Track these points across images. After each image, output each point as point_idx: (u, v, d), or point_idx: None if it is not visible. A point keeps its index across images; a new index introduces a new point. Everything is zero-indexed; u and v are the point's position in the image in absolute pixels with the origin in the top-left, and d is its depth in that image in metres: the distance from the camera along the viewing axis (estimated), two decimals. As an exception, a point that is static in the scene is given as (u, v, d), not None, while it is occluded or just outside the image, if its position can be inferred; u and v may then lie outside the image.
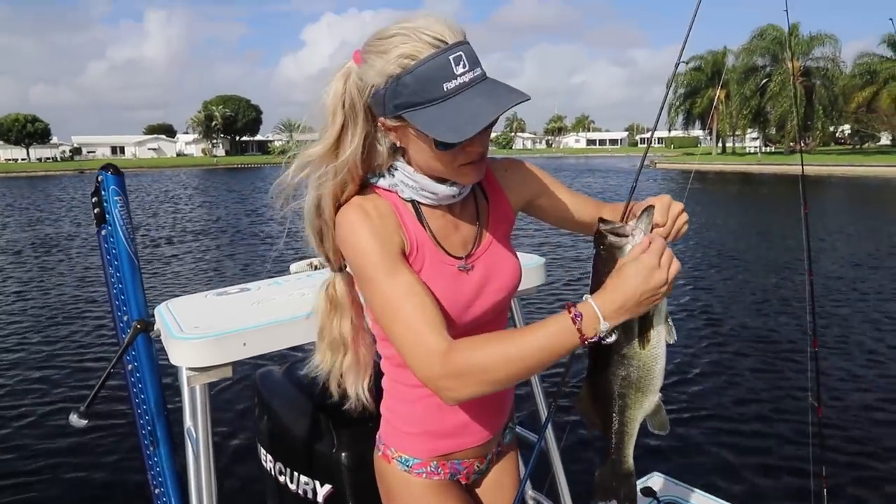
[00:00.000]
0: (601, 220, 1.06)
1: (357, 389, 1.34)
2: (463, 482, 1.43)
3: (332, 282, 1.30)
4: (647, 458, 4.24)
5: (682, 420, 4.93)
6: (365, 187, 1.22)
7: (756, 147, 65.16)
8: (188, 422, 1.50)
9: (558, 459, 2.30)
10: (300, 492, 1.79)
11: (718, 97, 58.20)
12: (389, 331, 1.11)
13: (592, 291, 1.03)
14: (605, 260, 1.05)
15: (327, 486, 1.73)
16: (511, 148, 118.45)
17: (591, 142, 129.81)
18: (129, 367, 1.69)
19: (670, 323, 1.07)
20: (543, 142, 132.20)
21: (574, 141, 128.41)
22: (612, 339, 0.98)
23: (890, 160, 41.31)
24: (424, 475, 1.34)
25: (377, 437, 1.43)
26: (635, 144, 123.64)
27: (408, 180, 1.19)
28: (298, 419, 1.80)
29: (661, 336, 1.06)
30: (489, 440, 1.41)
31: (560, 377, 1.49)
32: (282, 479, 1.85)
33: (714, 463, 4.30)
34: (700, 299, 8.86)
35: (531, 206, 1.40)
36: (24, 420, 5.28)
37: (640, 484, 2.64)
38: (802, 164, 2.10)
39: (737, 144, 68.23)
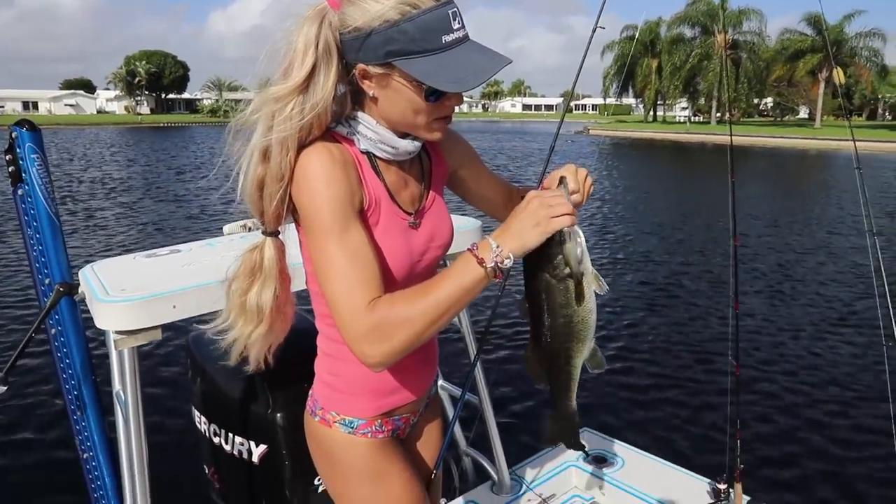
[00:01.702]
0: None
1: (260, 358, 1.29)
2: (400, 437, 1.46)
3: (261, 246, 1.21)
4: (580, 415, 4.43)
5: (610, 379, 5.16)
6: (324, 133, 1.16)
7: (686, 117, 67.24)
8: (117, 385, 1.47)
9: (491, 414, 2.38)
10: (235, 452, 1.80)
11: (651, 67, 59.42)
12: (325, 286, 1.11)
13: (526, 267, 1.14)
14: None
15: (262, 447, 1.74)
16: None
17: (526, 107, 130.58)
18: (53, 331, 1.64)
19: (598, 277, 1.18)
20: (480, 105, 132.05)
21: (510, 106, 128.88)
22: (509, 262, 1.05)
23: (806, 132, 43.56)
24: (370, 434, 1.35)
25: (311, 402, 1.40)
26: (570, 110, 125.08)
27: (367, 132, 1.17)
28: (232, 381, 1.80)
29: (591, 290, 1.17)
30: (425, 393, 1.45)
31: (482, 334, 1.54)
32: (216, 440, 1.85)
33: (640, 419, 4.54)
34: (629, 263, 9.21)
35: (453, 176, 1.42)
36: None
37: (571, 439, 2.77)
38: (731, 134, 2.20)
39: (667, 114, 70.17)
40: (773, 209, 14.63)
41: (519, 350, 5.55)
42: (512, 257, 1.04)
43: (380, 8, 1.05)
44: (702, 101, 59.29)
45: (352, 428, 1.35)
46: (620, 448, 2.70)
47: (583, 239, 1.14)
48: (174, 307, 1.44)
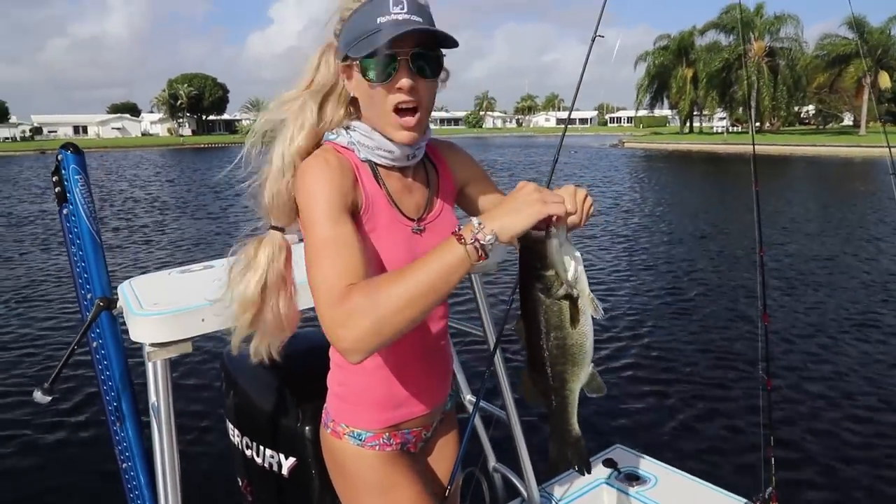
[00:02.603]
0: None
1: (261, 352, 1.33)
2: (412, 451, 1.47)
3: (262, 238, 1.27)
4: (611, 432, 4.38)
5: (643, 395, 5.09)
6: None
7: (724, 127, 66.08)
8: (152, 397, 1.52)
9: (520, 430, 2.37)
10: (266, 465, 1.83)
11: (684, 76, 58.68)
12: (309, 273, 1.12)
13: (521, 286, 1.14)
14: (528, 249, 1.12)
15: (292, 459, 1.76)
16: (481, 126, 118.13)
17: (560, 121, 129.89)
18: (94, 344, 1.70)
19: (595, 301, 1.15)
20: (514, 121, 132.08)
21: (544, 120, 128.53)
22: (491, 239, 1.02)
23: (849, 140, 42.30)
24: (378, 447, 1.37)
25: (324, 414, 1.44)
26: (605, 123, 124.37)
27: (365, 140, 1.24)
28: (264, 394, 1.83)
29: (587, 314, 1.15)
30: (436, 407, 1.46)
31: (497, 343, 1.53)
32: (248, 452, 1.88)
33: (672, 435, 4.44)
34: (661, 277, 9.06)
35: (461, 194, 1.45)
36: None
37: (603, 456, 2.73)
38: (753, 144, 2.18)
39: (704, 124, 69.10)
40: (809, 217, 14.27)
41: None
42: (496, 236, 1.02)
43: (339, 12, 1.19)
44: (739, 110, 58.20)
45: (360, 440, 1.37)
46: (653, 465, 2.65)
47: (580, 260, 1.13)
48: (202, 321, 1.48)
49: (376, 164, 1.26)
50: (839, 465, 4.01)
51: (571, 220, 1.12)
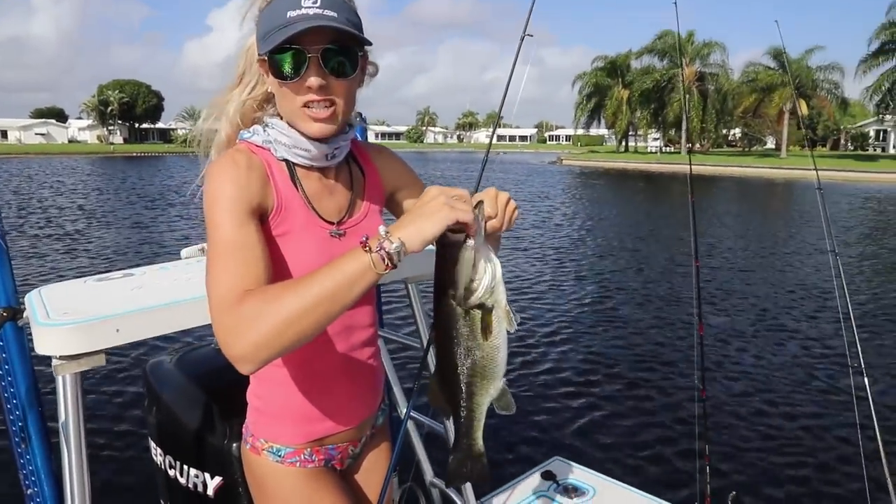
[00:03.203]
0: None
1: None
2: (338, 468, 1.41)
3: None
4: (549, 444, 4.40)
5: (580, 406, 5.15)
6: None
7: (657, 147, 68.69)
8: (62, 415, 1.40)
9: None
10: (190, 485, 1.73)
11: (622, 97, 60.77)
12: (207, 275, 1.05)
13: (435, 292, 1.09)
14: (442, 255, 1.08)
15: (218, 479, 1.67)
16: (422, 142, 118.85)
17: (500, 137, 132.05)
18: (-3, 358, 1.56)
19: (511, 313, 1.11)
20: (455, 136, 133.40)
21: (485, 136, 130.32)
22: (397, 247, 0.97)
23: (772, 162, 44.71)
24: (298, 464, 1.31)
25: (244, 428, 1.37)
26: (544, 141, 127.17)
27: (282, 137, 1.18)
28: (189, 410, 1.74)
29: (501, 326, 1.11)
30: (363, 422, 1.41)
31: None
32: (171, 472, 1.78)
33: (609, 446, 4.50)
34: (596, 289, 9.26)
35: (391, 200, 1.41)
36: None
37: (541, 468, 2.73)
38: (691, 161, 2.23)
39: (639, 144, 71.55)
40: (738, 232, 14.94)
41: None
42: (402, 244, 0.97)
43: (255, 10, 1.16)
44: (672, 131, 60.71)
45: (279, 456, 1.31)
46: (591, 476, 2.66)
47: (499, 270, 1.08)
48: (117, 331, 1.37)
49: (294, 163, 1.21)
50: (772, 471, 4.14)
51: (492, 224, 1.09)
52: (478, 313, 1.08)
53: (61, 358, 1.32)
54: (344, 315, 1.23)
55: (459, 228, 1.03)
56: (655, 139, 67.32)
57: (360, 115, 2.41)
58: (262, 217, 1.14)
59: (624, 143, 68.38)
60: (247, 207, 1.09)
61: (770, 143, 66.94)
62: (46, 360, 1.41)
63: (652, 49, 56.48)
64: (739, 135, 68.97)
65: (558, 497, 2.52)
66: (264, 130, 1.20)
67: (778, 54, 45.62)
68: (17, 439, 1.61)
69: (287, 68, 1.09)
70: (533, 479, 2.65)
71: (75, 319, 1.35)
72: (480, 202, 1.07)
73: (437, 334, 1.14)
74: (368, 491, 1.50)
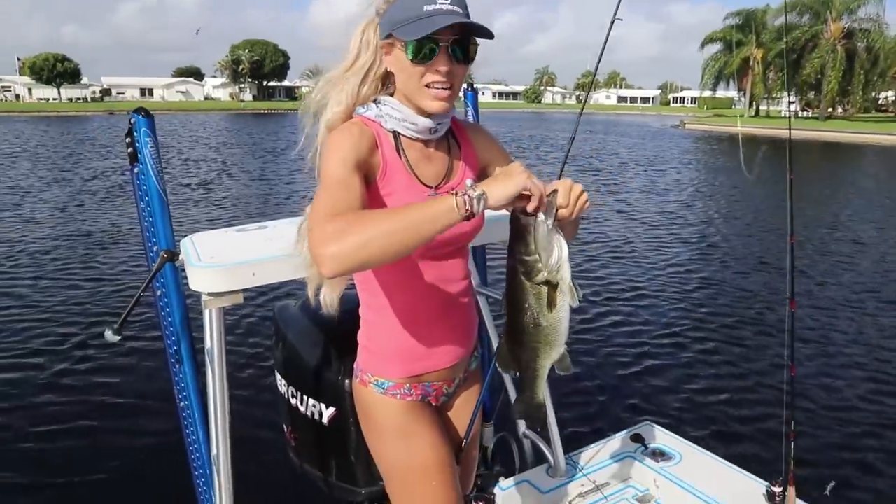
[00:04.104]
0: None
1: (323, 298, 1.49)
2: (433, 404, 1.59)
3: None
4: (640, 407, 4.46)
5: (674, 373, 5.16)
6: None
7: (791, 111, 63.25)
8: (207, 342, 1.68)
9: (549, 401, 2.45)
10: (308, 414, 1.96)
11: (754, 57, 56.20)
12: (312, 206, 1.23)
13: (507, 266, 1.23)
14: (515, 227, 1.22)
15: (332, 409, 1.89)
16: (540, 102, 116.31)
17: (622, 98, 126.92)
18: (158, 292, 1.86)
19: (575, 289, 1.23)
20: (573, 97, 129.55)
21: (605, 97, 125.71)
22: (478, 195, 1.11)
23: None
24: (398, 396, 1.51)
25: (355, 366, 1.59)
26: (668, 103, 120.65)
27: (393, 112, 1.37)
28: (309, 349, 1.96)
29: (565, 301, 1.23)
30: (457, 363, 1.57)
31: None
32: (293, 401, 2.02)
33: (701, 418, 4.49)
34: (695, 264, 8.91)
35: (483, 174, 1.55)
36: (68, 335, 5.78)
37: (632, 431, 2.79)
38: (790, 128, 2.16)
39: (772, 108, 66.23)
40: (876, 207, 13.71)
41: (579, 335, 5.61)
42: (484, 194, 1.12)
43: None
44: (812, 94, 55.54)
45: (383, 388, 1.51)
46: (678, 443, 2.71)
47: (565, 251, 1.20)
48: (253, 274, 1.63)
49: (401, 135, 1.38)
50: (858, 453, 4.00)
51: (562, 212, 1.21)
52: (544, 288, 1.21)
53: (209, 294, 1.59)
54: (440, 267, 1.43)
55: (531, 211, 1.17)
56: (791, 102, 62.12)
57: (472, 85, 2.53)
58: (368, 178, 1.32)
59: (755, 107, 63.55)
60: (354, 162, 1.27)
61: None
62: (195, 295, 1.69)
63: (795, 6, 51.48)
64: (893, 98, 62.22)
65: (646, 460, 2.58)
66: (377, 106, 1.38)
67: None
68: (172, 360, 1.91)
69: (422, 54, 1.27)
70: (622, 440, 2.72)
71: (221, 263, 1.61)
72: (555, 190, 1.20)
73: (508, 303, 1.27)
74: (459, 426, 1.68)
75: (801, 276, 7.77)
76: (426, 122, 1.37)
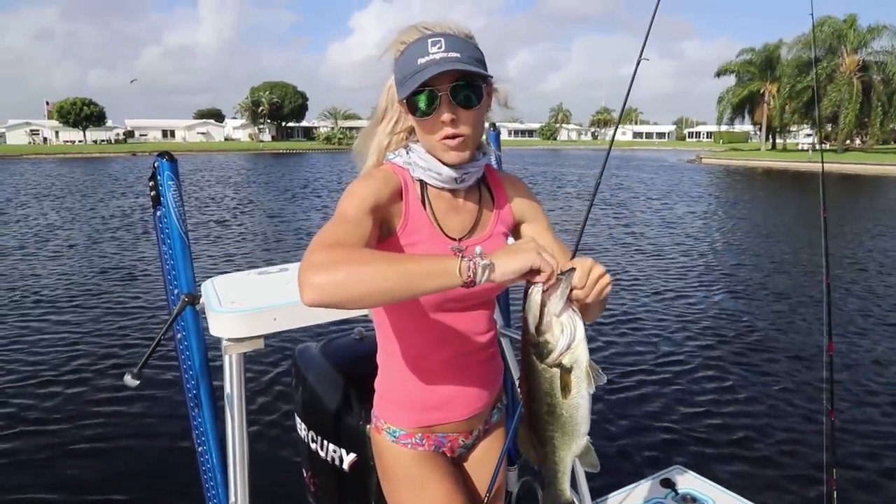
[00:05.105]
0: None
1: None
2: (448, 455, 1.53)
3: None
4: (670, 451, 4.31)
5: (705, 416, 4.98)
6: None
7: (809, 144, 62.99)
8: (227, 387, 1.65)
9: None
10: (328, 459, 1.93)
11: (769, 91, 56.29)
12: (316, 234, 1.14)
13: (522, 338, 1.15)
14: (525, 311, 1.13)
15: (353, 455, 1.85)
16: (555, 139, 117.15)
17: (637, 134, 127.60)
18: (178, 336, 1.84)
19: (593, 373, 1.14)
20: (588, 133, 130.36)
21: (621, 133, 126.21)
22: (482, 264, 1.03)
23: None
24: (410, 446, 1.46)
25: (371, 411, 1.55)
26: (683, 138, 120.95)
27: (420, 160, 1.34)
28: (330, 392, 1.94)
29: (581, 386, 1.14)
30: (474, 416, 1.50)
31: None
32: (313, 446, 1.99)
33: (733, 461, 4.32)
34: (722, 299, 8.74)
35: (517, 229, 1.50)
36: (86, 377, 5.75)
37: (661, 476, 2.71)
38: (822, 163, 2.12)
39: (788, 141, 65.99)
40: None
41: (610, 375, 5.47)
42: (490, 265, 1.04)
43: (391, 54, 1.30)
44: (829, 127, 55.30)
45: (394, 436, 1.46)
46: (710, 488, 2.61)
47: (580, 331, 1.11)
48: (274, 319, 1.61)
49: (427, 184, 1.36)
50: None
51: (576, 293, 1.12)
52: (556, 371, 1.12)
53: (230, 340, 1.57)
54: (460, 318, 1.39)
55: (540, 289, 1.10)
56: (808, 135, 61.67)
57: (494, 125, 2.53)
58: (388, 225, 1.30)
59: (771, 140, 63.36)
60: (372, 204, 1.23)
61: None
62: (213, 339, 1.67)
63: (809, 43, 51.60)
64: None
65: (676, 505, 2.50)
66: (407, 153, 1.36)
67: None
68: (191, 405, 1.89)
69: (422, 106, 1.25)
70: (651, 485, 2.63)
71: (242, 308, 1.60)
72: (572, 269, 1.11)
73: (523, 384, 1.19)
74: (479, 480, 1.60)
75: (836, 311, 7.57)
76: (450, 172, 1.33)
